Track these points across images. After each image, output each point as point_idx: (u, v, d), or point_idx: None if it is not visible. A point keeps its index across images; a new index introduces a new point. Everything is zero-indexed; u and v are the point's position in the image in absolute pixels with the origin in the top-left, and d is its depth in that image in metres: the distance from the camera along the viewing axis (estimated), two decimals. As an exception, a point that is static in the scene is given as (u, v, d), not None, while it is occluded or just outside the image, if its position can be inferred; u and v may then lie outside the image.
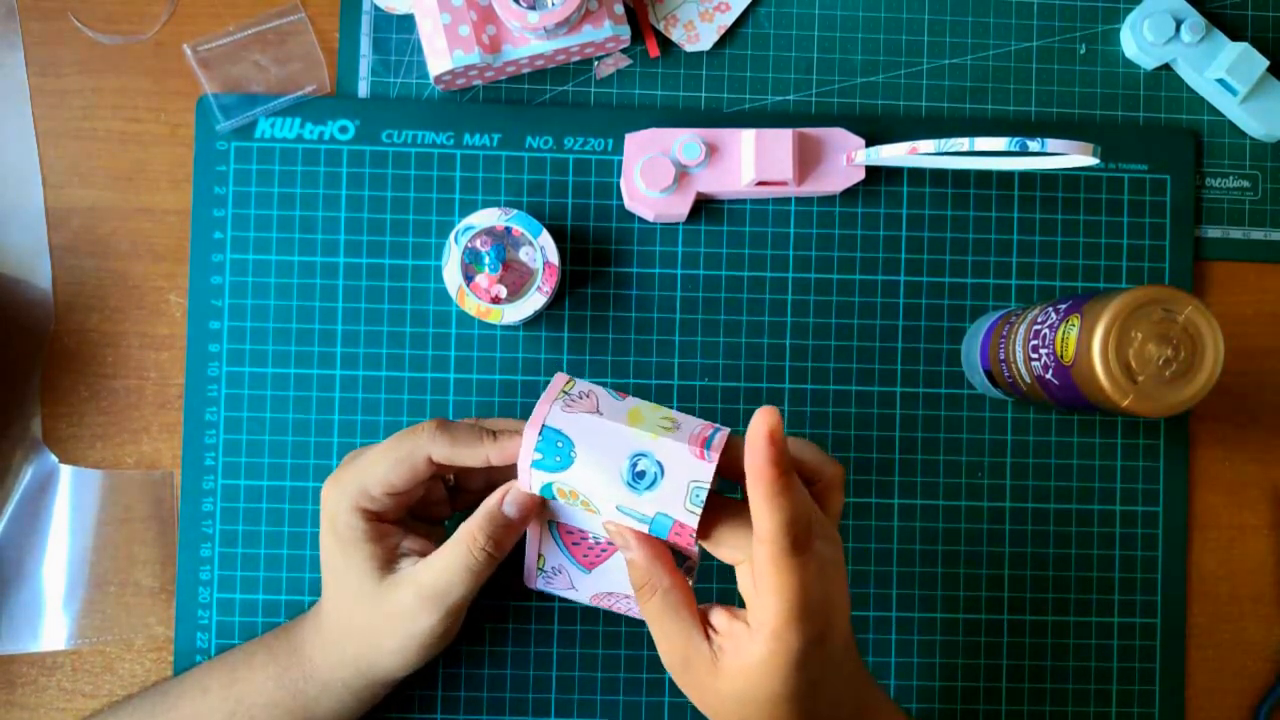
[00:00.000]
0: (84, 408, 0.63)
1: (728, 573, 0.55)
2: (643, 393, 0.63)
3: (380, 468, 0.52)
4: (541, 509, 0.51)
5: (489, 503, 0.50)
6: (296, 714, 0.54)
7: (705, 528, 0.47)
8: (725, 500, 0.48)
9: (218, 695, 0.55)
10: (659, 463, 0.47)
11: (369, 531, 0.52)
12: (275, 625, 0.61)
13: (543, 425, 0.47)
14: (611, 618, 0.63)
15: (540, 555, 0.53)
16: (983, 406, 0.64)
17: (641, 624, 0.62)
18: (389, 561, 0.52)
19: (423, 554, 0.53)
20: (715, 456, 0.47)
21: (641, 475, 0.47)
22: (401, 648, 0.53)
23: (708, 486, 0.46)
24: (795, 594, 0.44)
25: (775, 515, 0.43)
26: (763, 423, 0.43)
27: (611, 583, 0.53)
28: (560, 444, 0.47)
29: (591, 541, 0.52)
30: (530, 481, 0.48)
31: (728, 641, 0.46)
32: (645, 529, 0.47)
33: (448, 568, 0.51)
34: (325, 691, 0.54)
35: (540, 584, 0.55)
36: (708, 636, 0.47)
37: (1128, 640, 0.64)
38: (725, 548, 0.47)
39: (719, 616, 0.47)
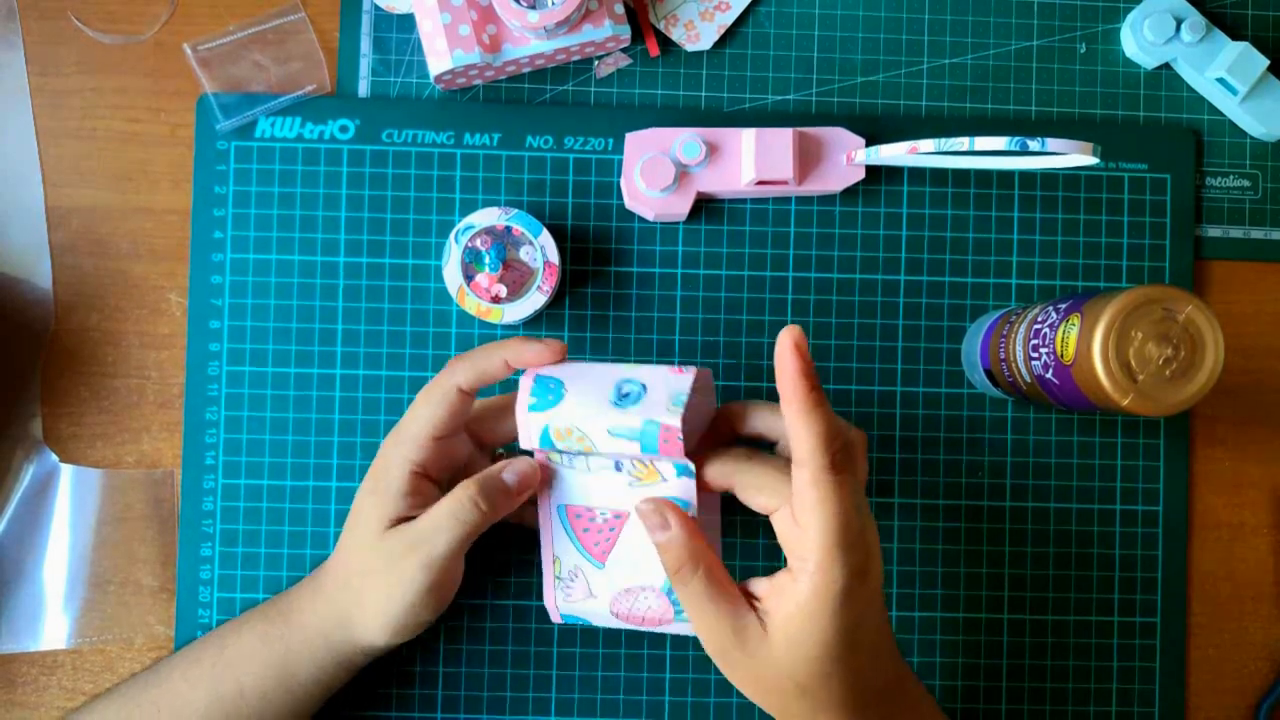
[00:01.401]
0: (84, 407, 0.63)
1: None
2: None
3: (423, 412, 0.53)
4: (545, 490, 0.52)
5: (491, 468, 0.52)
6: (276, 668, 0.54)
7: (741, 479, 0.48)
8: (755, 450, 0.49)
9: (208, 662, 0.55)
10: (642, 384, 0.49)
11: (408, 485, 0.53)
12: (275, 624, 0.61)
13: (535, 375, 0.51)
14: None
15: (555, 558, 0.53)
16: (983, 406, 0.64)
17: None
18: (410, 513, 0.53)
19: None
20: (691, 369, 0.49)
21: (626, 395, 0.49)
22: (386, 599, 0.52)
23: (687, 392, 0.48)
24: (837, 518, 0.44)
25: (812, 430, 0.44)
26: (788, 338, 0.43)
27: (630, 574, 0.52)
28: (552, 386, 0.50)
29: (600, 521, 0.52)
30: (530, 430, 0.50)
31: (772, 600, 0.46)
32: (637, 447, 0.48)
33: (437, 513, 0.51)
34: (306, 645, 0.54)
35: (562, 603, 0.54)
36: (752, 608, 0.47)
37: (1128, 640, 0.64)
38: (761, 494, 0.47)
39: (759, 584, 0.47)
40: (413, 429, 0.53)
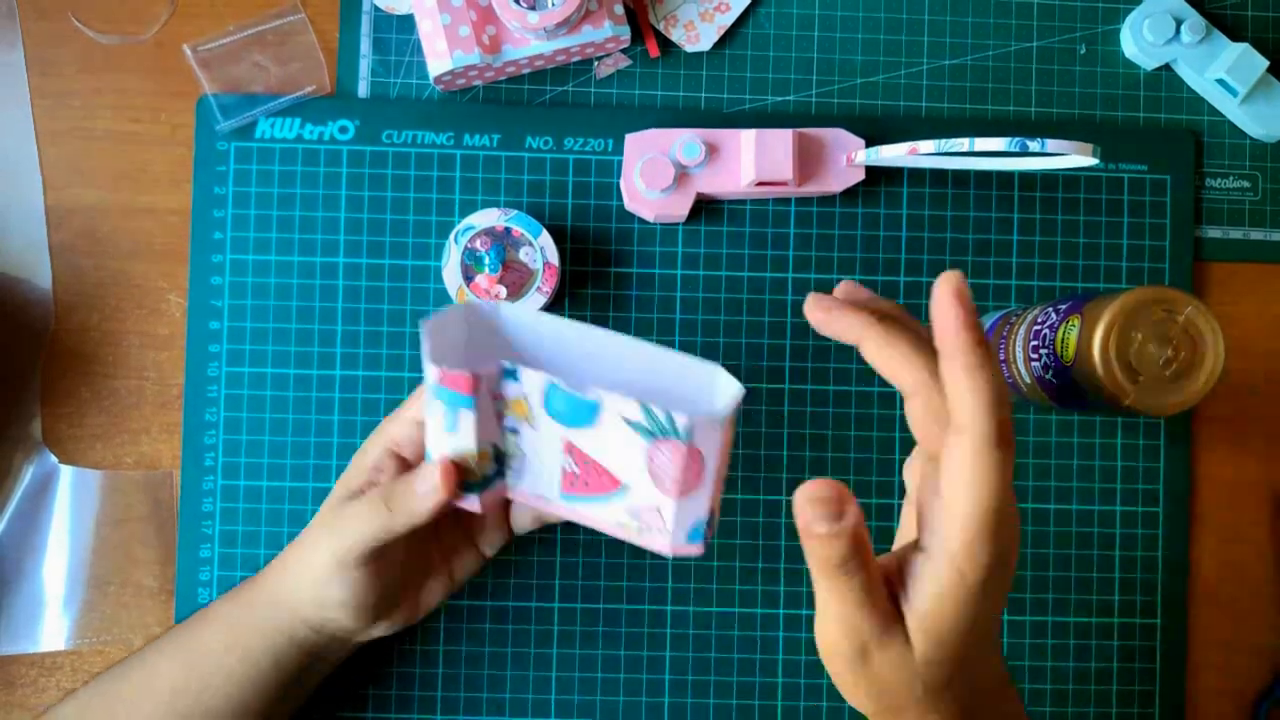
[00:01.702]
0: (84, 408, 0.63)
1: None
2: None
3: (409, 411, 0.53)
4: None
5: (407, 475, 0.50)
6: (229, 634, 0.53)
7: (878, 350, 0.42)
8: (884, 312, 0.44)
9: (184, 634, 0.54)
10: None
11: (381, 460, 0.53)
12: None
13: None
14: (612, 619, 0.62)
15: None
16: (983, 407, 0.64)
17: (642, 624, 0.62)
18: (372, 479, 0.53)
19: None
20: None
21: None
22: (305, 566, 0.52)
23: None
24: (993, 500, 0.37)
25: (980, 393, 0.37)
26: (949, 285, 0.38)
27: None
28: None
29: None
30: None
31: (908, 572, 0.40)
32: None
33: (353, 508, 0.51)
34: (256, 609, 0.53)
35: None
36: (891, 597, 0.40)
37: (1128, 640, 0.64)
38: (905, 372, 0.41)
39: (896, 548, 0.41)
40: (407, 412, 0.53)
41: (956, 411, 0.38)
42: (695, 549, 0.47)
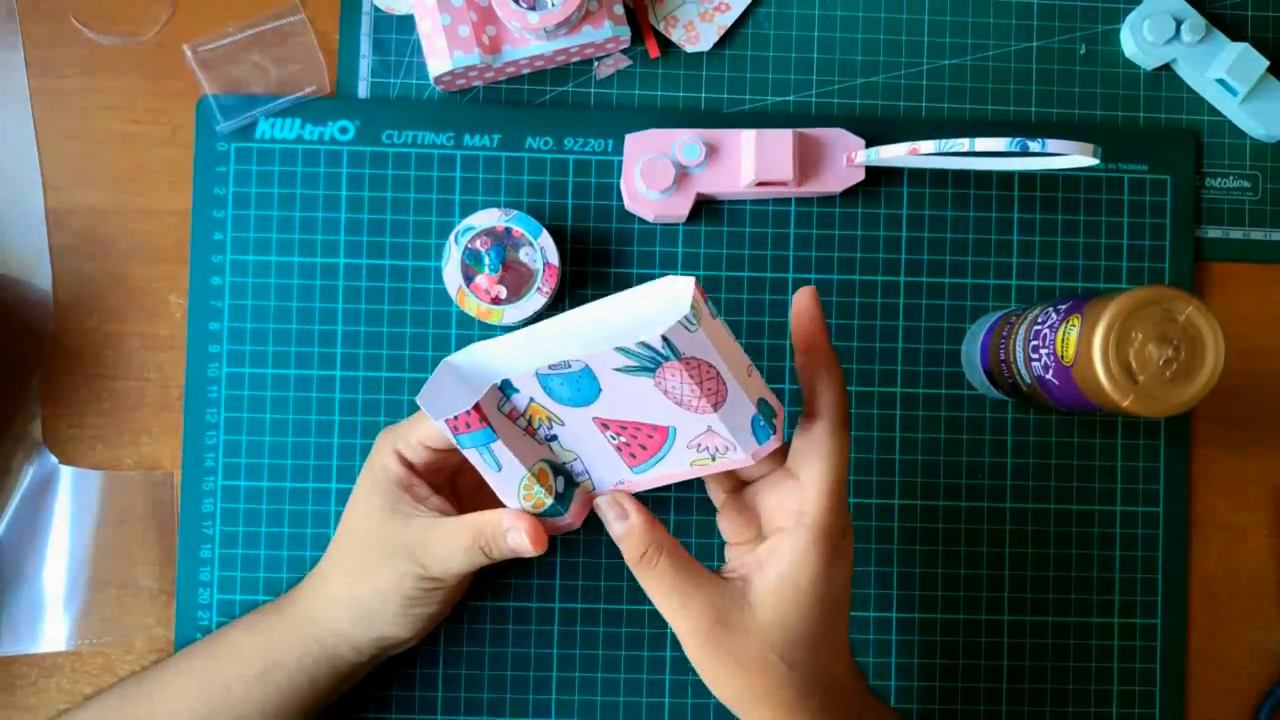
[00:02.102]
0: (84, 408, 0.63)
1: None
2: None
3: (419, 417, 0.53)
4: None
5: (502, 527, 0.50)
6: (261, 655, 0.54)
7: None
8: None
9: (203, 654, 0.55)
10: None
11: (400, 476, 0.53)
12: (275, 626, 0.61)
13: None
14: (612, 619, 0.62)
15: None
16: (983, 406, 0.64)
17: (642, 624, 0.62)
18: (404, 504, 0.53)
19: (440, 511, 0.53)
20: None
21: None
22: (379, 592, 0.52)
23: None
24: (840, 470, 0.45)
25: (835, 384, 0.46)
26: (807, 296, 0.47)
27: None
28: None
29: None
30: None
31: (753, 569, 0.46)
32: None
33: (448, 544, 0.51)
34: (293, 629, 0.54)
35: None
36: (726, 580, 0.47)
37: (1128, 640, 0.64)
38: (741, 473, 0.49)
39: (730, 554, 0.48)
40: (409, 430, 0.53)
41: (817, 400, 0.46)
42: (773, 443, 0.46)
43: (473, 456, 0.47)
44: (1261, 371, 0.65)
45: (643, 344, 0.43)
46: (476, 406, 0.45)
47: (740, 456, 0.46)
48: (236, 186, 0.63)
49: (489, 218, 0.60)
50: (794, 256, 0.64)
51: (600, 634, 0.62)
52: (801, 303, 0.47)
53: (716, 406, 0.45)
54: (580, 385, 0.45)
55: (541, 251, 0.60)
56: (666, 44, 0.65)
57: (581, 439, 0.48)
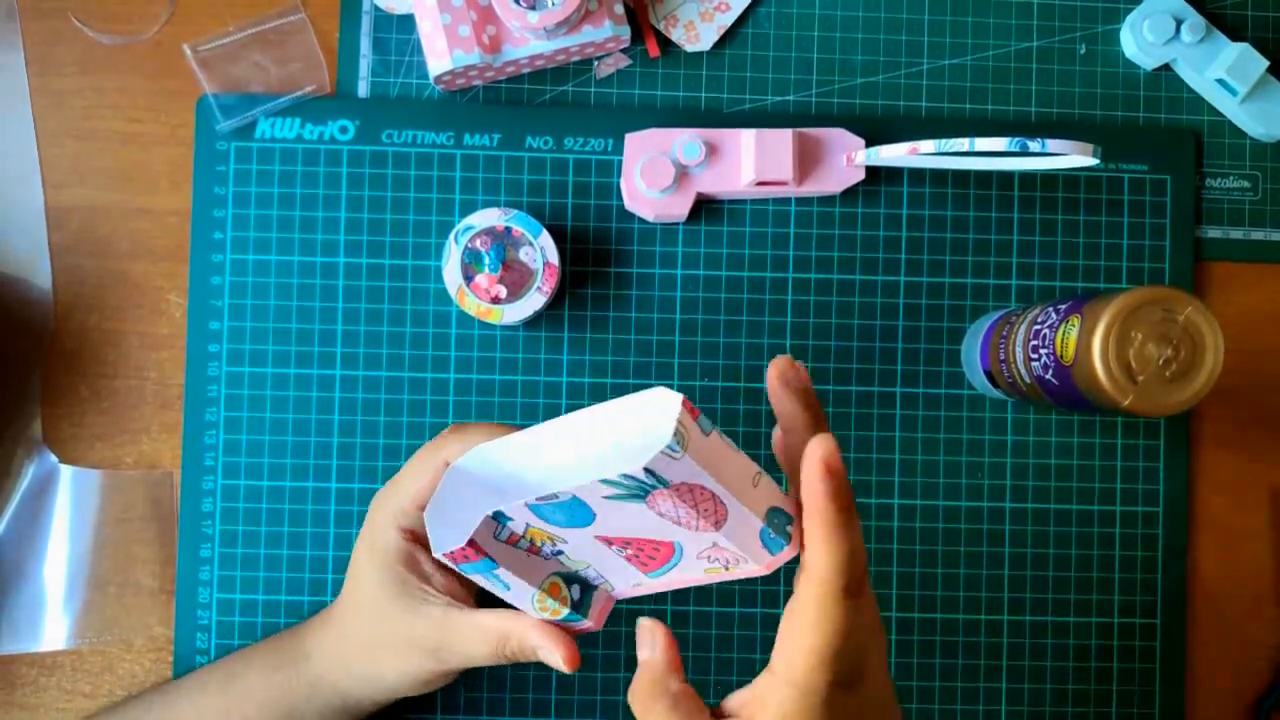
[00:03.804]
0: (84, 408, 0.63)
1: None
2: (643, 393, 0.63)
3: (408, 478, 0.51)
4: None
5: (530, 635, 0.48)
6: (280, 707, 0.54)
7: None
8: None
9: (215, 692, 0.55)
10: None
11: (401, 551, 0.51)
12: (275, 625, 0.61)
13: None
14: (612, 618, 0.62)
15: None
16: (983, 406, 0.64)
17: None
18: (411, 585, 0.51)
19: (448, 592, 0.51)
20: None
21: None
22: (398, 675, 0.52)
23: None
24: (835, 638, 0.40)
25: (836, 551, 0.40)
26: (819, 449, 0.39)
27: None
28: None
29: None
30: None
31: (752, 709, 0.43)
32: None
33: (470, 637, 0.49)
34: (314, 692, 0.54)
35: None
36: None
37: (1128, 640, 0.64)
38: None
39: (736, 697, 0.44)
40: (398, 494, 0.52)
41: (813, 564, 0.40)
42: (788, 552, 0.43)
43: (479, 580, 0.46)
44: (1261, 371, 0.65)
45: (625, 475, 0.40)
46: (471, 542, 0.44)
47: (754, 568, 0.44)
48: (236, 186, 0.63)
49: (489, 217, 0.60)
50: (794, 256, 0.64)
51: (601, 634, 0.62)
52: (810, 460, 0.40)
53: (718, 525, 0.42)
54: (574, 512, 0.43)
55: (541, 251, 0.60)
56: (666, 44, 0.65)
57: (588, 553, 0.46)
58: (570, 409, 0.63)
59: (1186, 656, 0.64)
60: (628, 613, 0.63)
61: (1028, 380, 0.57)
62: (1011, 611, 0.64)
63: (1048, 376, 0.55)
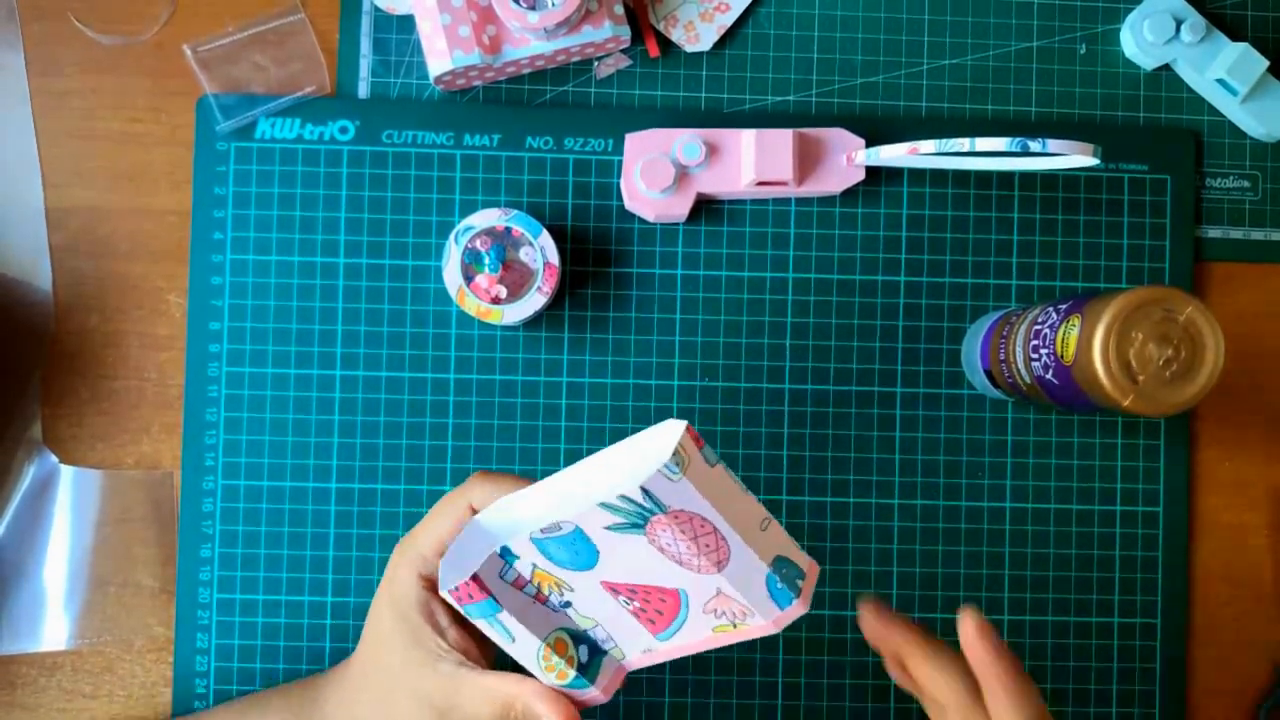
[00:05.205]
0: (84, 408, 0.63)
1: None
2: (643, 392, 0.63)
3: (431, 524, 0.50)
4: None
5: (538, 701, 0.47)
6: None
7: (917, 666, 0.47)
8: (928, 631, 0.49)
9: None
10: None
11: (419, 600, 0.49)
12: (275, 625, 0.61)
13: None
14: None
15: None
16: (983, 406, 0.64)
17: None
18: (425, 636, 0.50)
19: (462, 650, 0.50)
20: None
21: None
22: None
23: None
24: None
25: (1022, 713, 0.44)
26: (970, 623, 0.45)
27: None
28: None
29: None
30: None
31: None
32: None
33: (480, 700, 0.48)
34: None
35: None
36: None
37: (1128, 640, 0.64)
38: (936, 689, 0.47)
39: None
40: (420, 544, 0.50)
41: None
42: (797, 608, 0.42)
43: (484, 627, 0.45)
44: (1261, 371, 0.65)
45: (623, 497, 0.39)
46: (475, 577, 0.43)
47: (761, 623, 0.43)
48: (236, 186, 0.63)
49: (489, 217, 0.60)
50: (794, 256, 0.64)
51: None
52: (966, 630, 0.47)
53: (720, 565, 0.41)
54: (576, 548, 0.42)
55: (541, 251, 0.60)
56: (666, 44, 0.65)
57: (596, 606, 0.45)
58: (570, 409, 0.63)
59: (1187, 657, 0.64)
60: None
61: (1028, 380, 0.57)
62: (1012, 611, 0.64)
63: (1048, 376, 0.55)
